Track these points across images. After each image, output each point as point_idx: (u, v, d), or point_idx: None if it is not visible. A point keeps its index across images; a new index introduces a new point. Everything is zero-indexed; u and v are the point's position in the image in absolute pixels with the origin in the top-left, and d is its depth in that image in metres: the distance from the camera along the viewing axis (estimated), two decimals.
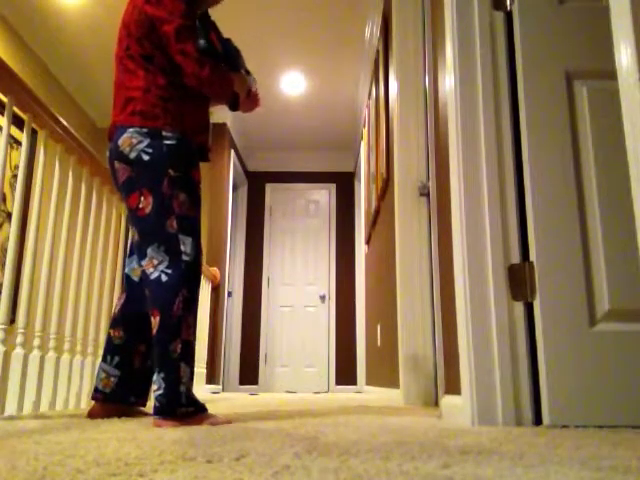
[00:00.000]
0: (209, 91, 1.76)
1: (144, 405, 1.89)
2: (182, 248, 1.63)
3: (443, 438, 1.14)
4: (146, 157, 1.65)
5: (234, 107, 1.87)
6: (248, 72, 1.94)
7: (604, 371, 1.44)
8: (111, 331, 1.83)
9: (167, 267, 1.61)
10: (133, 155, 1.66)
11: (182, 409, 1.54)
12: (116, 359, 1.80)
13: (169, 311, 1.58)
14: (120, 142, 1.68)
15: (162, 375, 1.55)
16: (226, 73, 1.79)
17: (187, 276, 1.63)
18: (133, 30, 1.74)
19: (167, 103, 1.69)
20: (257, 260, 6.60)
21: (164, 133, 1.66)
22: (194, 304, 1.66)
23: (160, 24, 1.70)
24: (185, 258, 1.63)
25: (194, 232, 1.68)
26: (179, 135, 1.69)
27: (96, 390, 1.80)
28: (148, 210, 1.64)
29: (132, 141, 1.66)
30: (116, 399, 1.79)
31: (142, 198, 1.65)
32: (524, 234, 1.56)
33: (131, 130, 1.67)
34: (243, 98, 1.88)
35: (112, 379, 1.79)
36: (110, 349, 1.82)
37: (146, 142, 1.65)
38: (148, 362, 1.84)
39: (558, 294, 1.49)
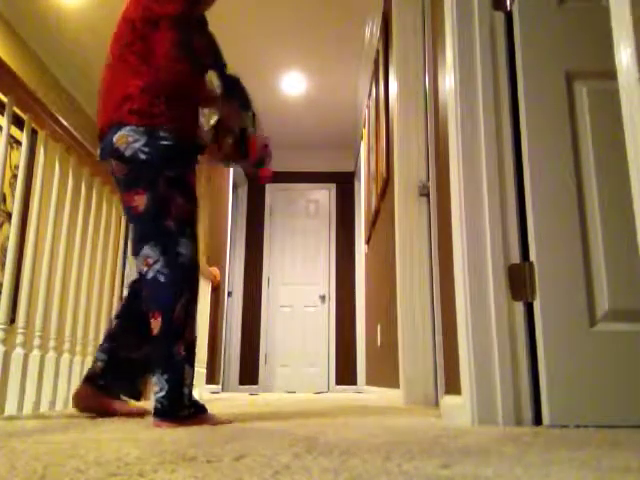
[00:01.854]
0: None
1: (138, 399, 1.90)
2: (178, 249, 1.62)
3: (443, 438, 1.14)
4: (143, 156, 1.63)
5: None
6: (254, 115, 1.92)
7: (604, 371, 1.44)
8: (113, 321, 1.92)
9: (163, 267, 1.60)
10: (129, 153, 1.64)
11: (184, 410, 1.54)
12: (105, 345, 1.86)
13: (171, 313, 1.57)
14: (115, 139, 1.66)
15: (165, 377, 1.54)
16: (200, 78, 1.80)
17: (187, 277, 1.63)
18: (139, 26, 1.73)
19: (165, 102, 1.68)
20: (257, 260, 6.60)
21: (161, 133, 1.65)
22: (195, 305, 1.66)
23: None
24: (181, 260, 1.62)
25: (190, 233, 1.67)
26: (176, 135, 1.68)
27: (87, 374, 1.86)
28: (143, 209, 1.63)
29: (128, 139, 1.64)
30: (96, 383, 1.82)
31: (137, 197, 1.64)
32: (524, 234, 1.56)
33: (127, 128, 1.65)
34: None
35: (99, 363, 1.83)
36: (105, 337, 1.89)
37: (143, 141, 1.63)
38: (134, 355, 1.86)
39: (558, 294, 1.49)
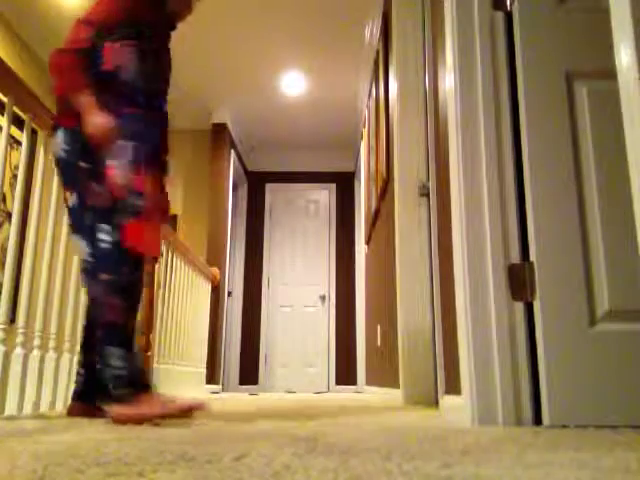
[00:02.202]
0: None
1: None
2: (98, 236, 1.66)
3: (443, 438, 1.14)
4: (63, 154, 1.73)
5: None
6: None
7: (604, 371, 1.44)
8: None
9: (89, 255, 1.67)
10: (56, 155, 1.75)
11: (118, 391, 1.56)
12: (81, 357, 1.86)
13: (90, 296, 1.68)
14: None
15: (100, 361, 1.61)
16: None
17: (107, 260, 1.66)
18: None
19: None
20: (257, 260, 6.60)
21: (75, 128, 1.71)
22: (120, 286, 1.64)
23: None
24: (102, 245, 1.65)
25: (111, 220, 1.68)
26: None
27: (73, 392, 1.86)
28: (70, 204, 1.74)
29: (57, 141, 1.75)
30: (84, 398, 1.81)
31: (67, 194, 1.75)
32: (524, 234, 1.56)
33: (58, 131, 1.75)
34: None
35: (79, 377, 1.84)
36: (80, 347, 1.89)
37: (64, 140, 1.73)
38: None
39: (558, 294, 1.49)
